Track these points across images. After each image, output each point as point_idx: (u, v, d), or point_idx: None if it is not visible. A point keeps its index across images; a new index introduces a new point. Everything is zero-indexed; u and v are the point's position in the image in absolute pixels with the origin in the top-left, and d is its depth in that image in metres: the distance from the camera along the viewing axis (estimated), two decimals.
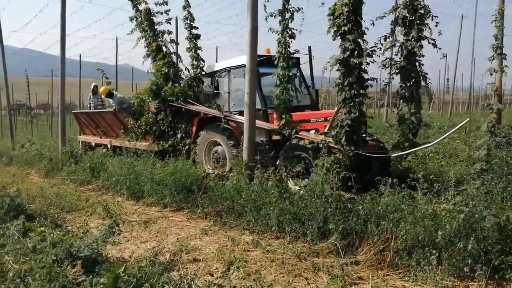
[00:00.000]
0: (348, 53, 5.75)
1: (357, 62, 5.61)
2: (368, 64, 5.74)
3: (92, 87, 13.09)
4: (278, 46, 6.86)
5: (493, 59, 5.60)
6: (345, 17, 5.72)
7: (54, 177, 9.48)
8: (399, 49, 6.03)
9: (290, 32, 6.83)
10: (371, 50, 5.81)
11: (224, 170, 7.77)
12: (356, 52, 5.72)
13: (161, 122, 9.46)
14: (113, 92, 11.11)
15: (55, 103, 28.46)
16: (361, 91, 5.86)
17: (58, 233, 4.15)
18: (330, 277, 3.82)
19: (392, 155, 6.45)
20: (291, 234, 4.78)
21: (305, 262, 4.17)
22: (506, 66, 5.60)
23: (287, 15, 6.77)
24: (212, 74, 8.78)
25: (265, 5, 6.55)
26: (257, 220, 5.15)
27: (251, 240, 4.83)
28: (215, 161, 8.18)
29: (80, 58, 22.68)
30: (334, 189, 4.80)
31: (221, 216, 5.60)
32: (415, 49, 5.28)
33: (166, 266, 4.00)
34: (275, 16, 6.76)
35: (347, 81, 5.78)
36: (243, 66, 7.27)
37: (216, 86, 8.54)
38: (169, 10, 9.72)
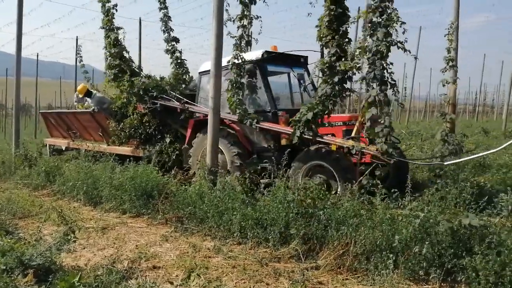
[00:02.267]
0: (333, 58, 5.94)
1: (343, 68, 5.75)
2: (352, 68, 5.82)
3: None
4: (233, 51, 6.97)
5: (446, 70, 5.87)
6: (325, 27, 5.99)
7: (6, 181, 9.01)
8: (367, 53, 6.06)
9: (247, 39, 7.01)
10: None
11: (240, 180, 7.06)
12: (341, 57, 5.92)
13: (147, 124, 8.75)
14: (92, 91, 10.38)
15: (9, 103, 27.20)
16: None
17: (9, 240, 3.92)
18: (291, 282, 3.84)
19: (446, 163, 6.05)
20: (253, 239, 4.76)
21: (266, 267, 4.17)
22: (458, 78, 5.86)
23: (245, 22, 6.91)
24: (204, 74, 8.07)
25: (226, 9, 6.58)
26: (219, 226, 5.11)
27: (213, 246, 4.78)
28: None
29: (37, 57, 21.84)
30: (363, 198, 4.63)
31: (182, 222, 5.51)
32: (381, 49, 5.38)
33: (124, 274, 3.88)
34: (234, 21, 6.86)
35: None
36: (250, 63, 7.09)
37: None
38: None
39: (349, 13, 6.04)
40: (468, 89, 30.40)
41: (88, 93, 10.24)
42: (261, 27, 7.26)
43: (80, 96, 10.70)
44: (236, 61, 7.06)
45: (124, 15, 9.89)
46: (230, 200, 5.27)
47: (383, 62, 5.47)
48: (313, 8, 6.28)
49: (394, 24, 5.40)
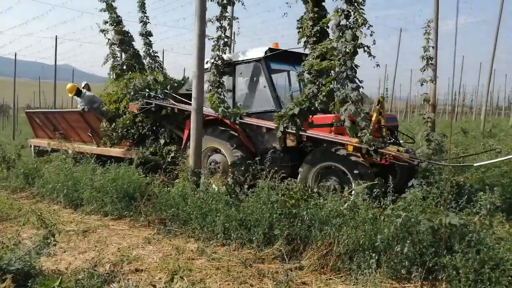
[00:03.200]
0: (317, 60, 6.01)
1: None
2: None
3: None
4: (212, 52, 7.01)
5: (424, 70, 5.95)
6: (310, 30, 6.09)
7: None
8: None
9: (225, 40, 7.07)
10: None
11: (224, 182, 6.75)
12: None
13: (140, 124, 8.43)
14: (82, 90, 10.05)
15: None
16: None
17: None
18: (275, 283, 3.84)
19: (475, 165, 6.09)
20: (237, 241, 4.75)
21: (250, 269, 4.16)
22: (437, 77, 5.95)
23: (225, 23, 7.01)
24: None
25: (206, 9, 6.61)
26: (203, 228, 5.08)
27: (196, 248, 4.75)
28: (211, 172, 7.26)
29: (15, 57, 21.35)
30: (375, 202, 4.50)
31: (165, 224, 5.46)
32: (348, 50, 5.50)
33: (105, 278, 3.81)
34: (213, 22, 6.92)
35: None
36: (253, 60, 7.02)
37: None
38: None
39: (329, 15, 6.11)
40: (447, 90, 31.00)
41: (78, 92, 9.91)
42: (238, 28, 7.43)
43: (70, 95, 10.28)
44: (215, 61, 7.07)
45: (104, 15, 9.69)
46: (214, 201, 5.25)
47: (352, 62, 5.61)
48: (289, 8, 6.35)
49: (361, 27, 5.56)
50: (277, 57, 7.01)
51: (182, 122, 8.02)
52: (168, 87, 8.42)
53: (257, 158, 6.45)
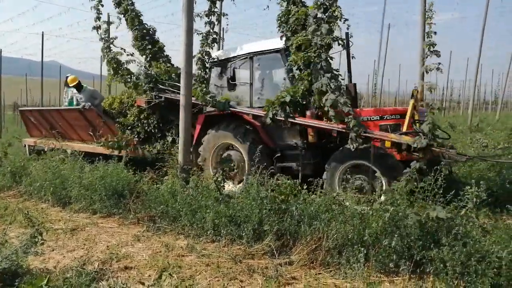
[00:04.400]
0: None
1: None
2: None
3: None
4: (201, 48, 6.99)
5: (427, 56, 5.74)
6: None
7: None
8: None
9: (213, 36, 7.07)
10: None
11: (239, 179, 6.59)
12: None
13: (145, 121, 8.03)
14: (83, 84, 9.52)
15: None
16: None
17: None
18: (264, 278, 3.85)
19: (503, 161, 5.86)
20: (227, 237, 4.75)
21: (240, 264, 4.17)
22: (441, 64, 5.72)
23: (213, 18, 6.99)
24: (225, 62, 7.22)
25: (195, 1, 6.64)
26: (192, 224, 5.07)
27: (186, 244, 4.74)
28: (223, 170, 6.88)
29: (0, 54, 21.01)
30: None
31: (154, 221, 5.44)
32: (324, 43, 5.51)
33: (94, 276, 3.79)
34: (201, 17, 6.91)
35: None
36: (271, 51, 6.66)
37: (232, 76, 6.89)
38: None
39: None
40: (436, 84, 31.28)
41: (79, 86, 9.45)
42: (227, 24, 7.40)
43: (70, 85, 9.65)
44: (200, 56, 7.04)
45: (91, 10, 9.52)
46: (203, 198, 5.24)
47: (327, 55, 5.62)
48: (273, 3, 6.32)
49: (338, 21, 5.61)
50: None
51: (193, 116, 7.36)
52: (177, 79, 7.80)
53: (277, 155, 6.46)
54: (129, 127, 8.25)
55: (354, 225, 4.14)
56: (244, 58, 6.92)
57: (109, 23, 9.91)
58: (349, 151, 5.57)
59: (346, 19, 5.59)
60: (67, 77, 10.90)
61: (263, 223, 4.62)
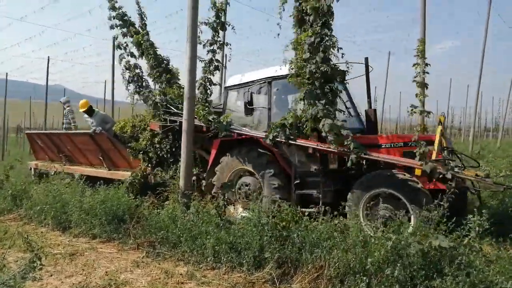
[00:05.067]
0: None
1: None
2: None
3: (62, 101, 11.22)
4: (203, 74, 7.21)
5: (419, 95, 5.95)
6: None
7: None
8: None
9: (215, 64, 7.20)
10: None
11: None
12: None
13: (157, 146, 7.85)
14: (94, 109, 9.51)
15: None
16: None
17: None
18: None
19: None
20: (227, 264, 4.69)
21: None
22: (427, 112, 5.89)
23: (215, 47, 7.15)
24: (242, 86, 7.04)
25: (199, 36, 6.81)
26: (193, 251, 5.02)
27: (186, 271, 4.68)
28: (242, 196, 6.62)
29: (6, 77, 21.30)
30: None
31: (154, 247, 5.38)
32: (321, 70, 5.59)
33: None
34: (204, 45, 7.07)
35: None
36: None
37: (250, 101, 6.58)
38: None
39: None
40: (436, 112, 31.51)
41: (90, 111, 9.42)
42: (230, 54, 7.52)
43: (81, 110, 9.56)
44: (202, 82, 7.14)
45: (97, 36, 9.75)
46: (204, 223, 5.21)
47: (319, 82, 5.65)
48: (281, 30, 6.36)
49: (332, 50, 5.66)
50: None
51: (207, 141, 7.36)
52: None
53: (296, 182, 6.20)
54: (142, 152, 8.08)
55: (356, 253, 4.09)
56: (263, 83, 6.80)
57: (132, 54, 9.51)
58: (375, 178, 5.42)
59: (340, 48, 5.68)
60: (60, 101, 11.12)
61: (264, 250, 4.57)
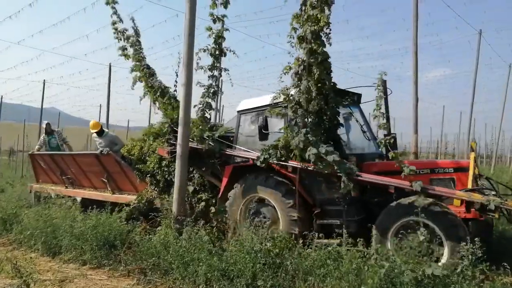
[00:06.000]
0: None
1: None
2: None
3: (44, 126, 10.84)
4: (201, 98, 7.18)
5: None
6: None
7: None
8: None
9: (214, 89, 7.28)
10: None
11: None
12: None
13: (165, 169, 7.59)
14: (104, 129, 9.36)
15: None
16: None
17: None
18: None
19: None
20: None
21: None
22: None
23: (216, 73, 7.23)
24: (256, 110, 6.72)
25: (197, 62, 6.91)
26: (184, 278, 4.94)
27: None
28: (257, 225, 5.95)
29: (1, 100, 21.34)
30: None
31: (145, 274, 5.29)
32: (301, 101, 5.60)
33: None
34: (205, 70, 7.17)
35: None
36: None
37: (265, 126, 6.28)
38: None
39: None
40: (430, 138, 31.77)
41: (100, 131, 9.22)
42: (230, 79, 7.60)
43: (92, 131, 9.35)
44: (201, 106, 7.14)
45: (94, 60, 9.86)
46: (196, 250, 5.15)
47: (304, 111, 5.65)
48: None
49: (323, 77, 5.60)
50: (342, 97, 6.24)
51: (219, 167, 7.08)
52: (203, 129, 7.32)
53: (316, 211, 5.84)
54: (149, 175, 7.84)
55: (350, 281, 4.06)
56: (279, 107, 6.32)
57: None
58: (405, 206, 5.05)
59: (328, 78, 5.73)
60: (47, 124, 10.88)
61: (256, 278, 4.52)
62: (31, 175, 11.74)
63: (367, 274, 4.07)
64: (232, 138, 7.09)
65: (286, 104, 5.93)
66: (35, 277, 5.06)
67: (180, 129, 6.52)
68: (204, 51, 7.40)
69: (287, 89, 5.83)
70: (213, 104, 7.56)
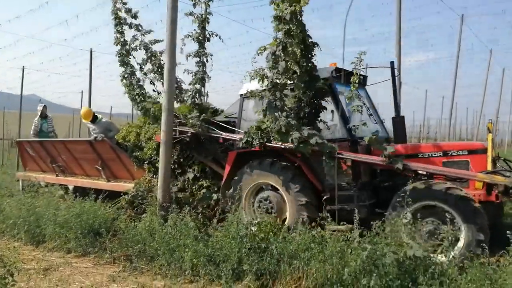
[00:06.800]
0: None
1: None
2: None
3: (41, 108, 10.47)
4: (190, 85, 7.35)
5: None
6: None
7: None
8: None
9: (202, 75, 7.28)
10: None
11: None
12: None
13: None
14: (97, 115, 8.98)
15: None
16: None
17: None
18: None
19: None
20: (206, 277, 4.66)
21: None
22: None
23: (204, 59, 7.24)
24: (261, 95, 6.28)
25: (182, 48, 6.96)
26: (170, 264, 4.95)
27: (163, 285, 4.63)
28: (262, 212, 6.01)
29: None
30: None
31: (131, 261, 5.29)
32: (280, 82, 5.57)
33: None
34: (193, 57, 7.15)
35: None
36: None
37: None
38: None
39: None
40: (412, 123, 32.18)
41: (94, 118, 8.88)
42: (212, 65, 7.55)
43: (85, 121, 9.08)
44: (192, 94, 7.18)
45: (75, 46, 9.66)
46: (182, 236, 5.17)
47: (282, 93, 5.62)
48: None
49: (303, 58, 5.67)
50: (340, 78, 6.08)
51: (221, 153, 7.02)
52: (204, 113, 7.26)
53: (325, 197, 5.68)
54: (147, 162, 7.61)
55: (333, 264, 4.13)
56: (290, 88, 6.07)
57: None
58: (420, 190, 4.88)
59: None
60: (44, 106, 10.62)
61: (242, 263, 4.56)
62: (12, 163, 11.47)
63: (350, 257, 4.15)
64: (233, 123, 6.95)
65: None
66: (19, 266, 5.02)
67: (163, 116, 6.46)
68: (188, 37, 7.34)
69: (262, 70, 5.74)
70: (203, 90, 7.54)
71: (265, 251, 4.63)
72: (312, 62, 6.00)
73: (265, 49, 5.72)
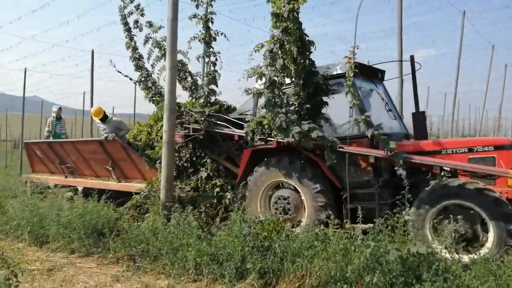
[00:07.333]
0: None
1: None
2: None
3: (57, 110, 10.66)
4: (205, 86, 7.40)
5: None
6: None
7: None
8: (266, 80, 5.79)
9: (214, 75, 7.40)
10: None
11: (294, 222, 5.72)
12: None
13: (176, 155, 7.12)
14: (108, 114, 8.87)
15: None
16: None
17: None
18: None
19: None
20: (209, 276, 4.66)
21: None
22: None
23: (213, 58, 7.45)
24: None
25: (187, 51, 7.28)
26: (174, 263, 4.96)
27: (167, 285, 4.63)
28: (279, 211, 5.88)
29: None
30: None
31: (134, 261, 5.30)
32: (278, 80, 5.59)
33: None
34: (199, 58, 7.33)
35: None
36: (334, 77, 5.94)
37: None
38: None
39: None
40: None
41: (104, 117, 8.73)
42: (221, 62, 7.60)
43: (96, 119, 8.89)
44: (204, 93, 7.21)
45: (76, 47, 9.68)
46: (185, 235, 5.17)
47: (280, 90, 5.66)
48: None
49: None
50: (359, 73, 5.74)
51: (233, 152, 6.95)
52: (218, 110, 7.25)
53: (345, 195, 5.53)
54: (159, 161, 7.30)
55: (337, 262, 4.12)
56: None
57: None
58: (447, 187, 4.72)
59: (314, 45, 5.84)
60: (59, 108, 10.79)
61: (245, 261, 4.56)
62: (15, 165, 11.53)
63: (354, 254, 4.14)
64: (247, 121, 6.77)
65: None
66: (22, 267, 5.03)
67: (165, 115, 6.47)
68: (194, 39, 7.41)
69: (260, 68, 5.76)
70: (217, 89, 7.57)
71: (268, 250, 4.63)
72: (310, 59, 6.03)
73: (262, 46, 5.74)
